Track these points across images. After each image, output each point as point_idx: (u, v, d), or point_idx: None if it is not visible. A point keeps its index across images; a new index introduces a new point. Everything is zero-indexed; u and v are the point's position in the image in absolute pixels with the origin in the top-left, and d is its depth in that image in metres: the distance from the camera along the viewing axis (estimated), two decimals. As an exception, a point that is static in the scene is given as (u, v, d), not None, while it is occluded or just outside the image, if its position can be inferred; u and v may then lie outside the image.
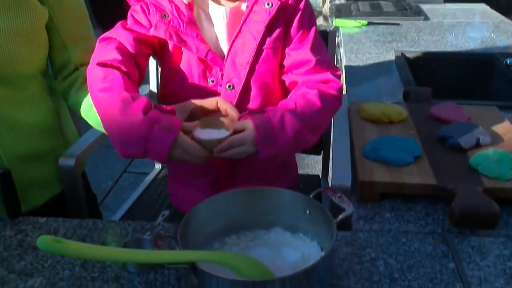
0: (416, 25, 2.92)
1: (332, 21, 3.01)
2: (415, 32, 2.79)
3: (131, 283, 0.97)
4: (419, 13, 3.14)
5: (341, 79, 1.23)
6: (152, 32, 1.15)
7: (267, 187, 1.05)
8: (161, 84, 1.29)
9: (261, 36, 1.16)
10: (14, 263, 1.04)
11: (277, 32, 1.19)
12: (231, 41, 1.18)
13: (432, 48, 2.50)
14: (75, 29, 1.35)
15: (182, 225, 0.91)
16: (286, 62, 1.24)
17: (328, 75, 1.20)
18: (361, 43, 2.59)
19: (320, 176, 1.81)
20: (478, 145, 1.38)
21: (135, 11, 1.20)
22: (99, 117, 1.10)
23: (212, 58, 1.17)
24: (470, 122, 1.50)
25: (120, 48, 1.12)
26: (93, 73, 1.10)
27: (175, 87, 1.22)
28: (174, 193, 1.46)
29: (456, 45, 2.58)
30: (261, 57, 1.19)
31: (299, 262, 0.97)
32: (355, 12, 3.16)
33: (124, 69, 1.10)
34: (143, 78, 1.21)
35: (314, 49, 1.21)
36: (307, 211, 1.01)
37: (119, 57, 1.10)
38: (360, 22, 2.90)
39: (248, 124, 1.08)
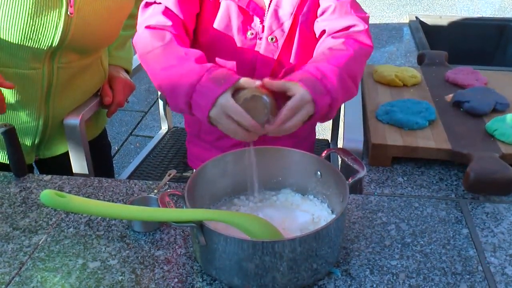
0: (431, -11, 2.84)
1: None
2: (430, -5, 2.71)
3: (136, 242, 0.96)
4: (434, -24, 3.04)
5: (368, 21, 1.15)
6: None
7: (277, 147, 1.01)
8: (196, 34, 1.20)
9: None
10: (19, 220, 1.02)
11: None
12: None
13: (448, 12, 2.43)
14: None
15: (190, 183, 0.89)
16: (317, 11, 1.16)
17: (352, 19, 1.10)
18: (374, 6, 2.51)
19: (329, 140, 1.78)
20: (495, 110, 1.34)
21: None
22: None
23: (254, 8, 1.11)
24: (486, 87, 1.45)
25: (167, 13, 1.06)
26: (143, 36, 1.04)
27: (211, 38, 1.16)
28: (196, 156, 1.40)
29: (473, 9, 2.50)
30: (304, 7, 1.13)
31: (308, 224, 0.94)
32: (368, -26, 3.06)
33: (174, 32, 1.04)
34: (192, 38, 1.15)
35: None
36: (318, 173, 0.98)
37: (169, 22, 1.04)
38: (373, -15, 2.81)
39: (293, 84, 0.93)
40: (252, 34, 1.13)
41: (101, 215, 0.98)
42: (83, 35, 1.21)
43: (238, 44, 1.14)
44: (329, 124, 1.79)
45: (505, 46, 2.25)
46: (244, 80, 0.91)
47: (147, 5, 1.09)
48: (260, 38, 1.13)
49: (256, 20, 1.12)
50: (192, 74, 0.93)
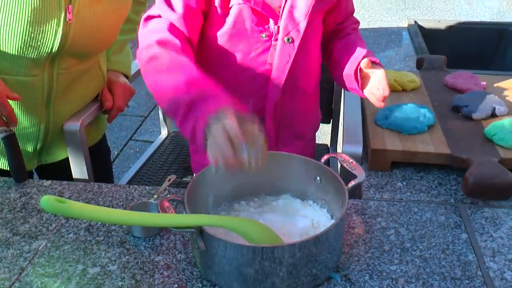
0: (430, -7, 2.85)
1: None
2: (428, 0, 2.72)
3: (136, 248, 0.96)
4: (433, -19, 3.05)
5: None
6: None
7: (276, 152, 1.02)
8: (205, 44, 1.20)
9: None
10: (19, 226, 1.02)
11: None
12: None
13: (446, 17, 2.44)
14: None
15: (190, 189, 0.89)
16: (336, 14, 1.25)
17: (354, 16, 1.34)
18: (373, 10, 2.52)
19: (329, 145, 1.78)
20: (493, 114, 1.34)
21: None
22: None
23: (268, 10, 1.12)
24: (485, 91, 1.45)
25: (172, 29, 1.06)
26: (156, 54, 1.01)
27: (222, 45, 1.16)
28: (204, 164, 1.35)
29: (471, 14, 2.51)
30: (318, 8, 1.15)
31: (308, 229, 0.95)
32: (367, -21, 3.07)
33: (184, 51, 1.03)
34: (196, 50, 1.14)
35: None
36: (318, 178, 0.98)
37: (176, 40, 1.04)
38: (372, -10, 2.82)
39: (378, 69, 1.12)
40: (267, 36, 1.14)
41: (101, 221, 0.99)
42: (82, 40, 1.22)
43: (253, 47, 1.14)
44: (328, 128, 1.79)
45: (504, 50, 2.26)
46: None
47: (149, 18, 1.09)
48: (276, 39, 1.14)
49: (271, 21, 1.13)
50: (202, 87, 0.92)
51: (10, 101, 1.21)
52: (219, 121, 0.84)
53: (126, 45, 1.53)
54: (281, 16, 1.12)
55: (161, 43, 1.02)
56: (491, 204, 1.10)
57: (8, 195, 1.12)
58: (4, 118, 1.17)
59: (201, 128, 0.86)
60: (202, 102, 0.88)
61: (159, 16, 1.08)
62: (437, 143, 1.22)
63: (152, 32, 1.06)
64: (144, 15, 1.10)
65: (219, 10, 1.11)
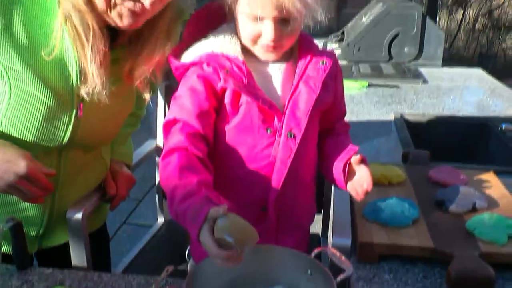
0: (415, 88, 3.01)
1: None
2: (414, 94, 2.88)
3: (134, 338, 0.99)
4: (418, 76, 3.24)
5: None
6: (221, 84, 1.21)
7: (269, 245, 1.08)
8: (214, 138, 1.29)
9: (319, 90, 1.26)
10: (20, 314, 1.06)
11: (329, 85, 1.32)
12: (290, 94, 1.26)
13: (431, 110, 2.58)
14: None
15: (188, 281, 0.94)
16: (330, 114, 1.38)
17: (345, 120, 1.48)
18: (361, 104, 2.67)
19: (320, 234, 1.84)
20: (474, 209, 1.42)
21: (188, 78, 1.24)
22: None
23: (273, 108, 1.23)
24: (466, 186, 1.54)
25: (184, 129, 1.17)
26: (160, 166, 1.16)
27: (230, 139, 1.26)
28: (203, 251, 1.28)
29: (454, 108, 2.66)
30: (316, 108, 1.28)
31: (299, 321, 0.99)
32: (356, 73, 3.26)
33: (186, 146, 1.14)
34: (212, 144, 1.24)
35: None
36: (309, 271, 1.03)
37: (182, 137, 1.15)
38: (360, 83, 2.99)
39: (362, 166, 1.27)
40: (272, 131, 1.25)
41: (101, 311, 1.02)
42: (90, 134, 1.31)
43: (258, 141, 1.25)
44: (319, 218, 1.85)
45: (486, 143, 2.38)
46: (212, 213, 0.96)
47: (167, 125, 1.20)
48: (280, 135, 1.25)
49: (275, 118, 1.24)
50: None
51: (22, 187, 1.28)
52: (204, 229, 0.95)
53: (129, 137, 1.64)
54: (285, 114, 1.25)
55: (172, 150, 1.14)
56: (474, 297, 1.15)
57: (10, 282, 1.16)
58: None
59: (194, 235, 0.97)
60: (192, 216, 0.99)
61: (175, 119, 1.19)
62: (421, 237, 1.29)
63: (168, 140, 1.17)
64: (164, 121, 1.22)
65: (228, 107, 1.23)
